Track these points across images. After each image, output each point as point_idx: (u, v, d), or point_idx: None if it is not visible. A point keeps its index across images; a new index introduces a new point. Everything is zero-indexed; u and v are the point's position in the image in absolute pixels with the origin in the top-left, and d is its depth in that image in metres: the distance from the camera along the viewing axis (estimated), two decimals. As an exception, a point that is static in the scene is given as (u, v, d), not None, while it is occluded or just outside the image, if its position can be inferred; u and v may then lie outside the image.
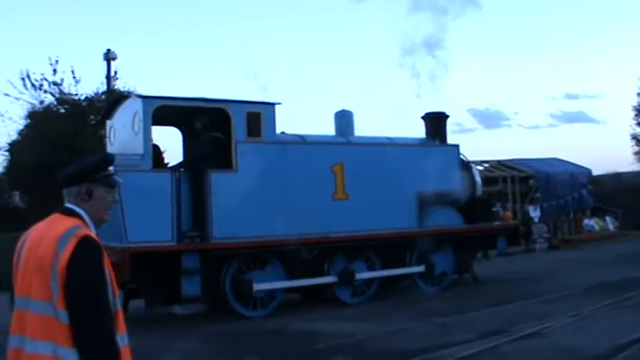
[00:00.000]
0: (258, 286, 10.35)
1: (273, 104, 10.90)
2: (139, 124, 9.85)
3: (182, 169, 10.16)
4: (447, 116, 13.60)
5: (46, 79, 21.35)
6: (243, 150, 10.41)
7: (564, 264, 16.25)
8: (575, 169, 24.40)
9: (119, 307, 2.47)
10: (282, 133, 11.63)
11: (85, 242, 2.37)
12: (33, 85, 21.18)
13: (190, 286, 9.80)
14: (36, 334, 2.30)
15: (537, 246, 20.86)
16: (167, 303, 10.39)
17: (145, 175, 9.69)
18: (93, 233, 2.48)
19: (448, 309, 10.20)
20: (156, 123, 10.93)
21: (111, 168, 2.66)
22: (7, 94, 20.99)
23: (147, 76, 47.63)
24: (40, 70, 21.92)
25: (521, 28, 58.93)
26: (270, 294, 10.61)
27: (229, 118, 10.40)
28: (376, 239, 11.53)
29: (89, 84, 21.43)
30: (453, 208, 12.61)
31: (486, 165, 23.11)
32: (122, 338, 2.44)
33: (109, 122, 11.65)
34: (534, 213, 21.45)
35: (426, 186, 12.13)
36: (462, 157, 13.57)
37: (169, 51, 52.00)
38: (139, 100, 9.95)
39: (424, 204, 12.20)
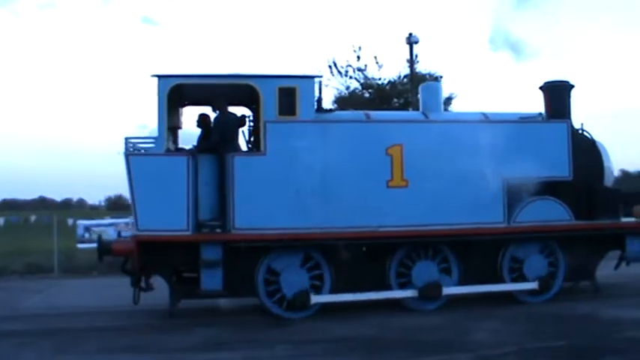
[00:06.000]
0: (316, 299, 9.30)
1: (312, 77, 9.60)
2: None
3: (200, 153, 9.34)
4: (572, 86, 10.92)
5: (350, 66, 22.99)
6: (273, 130, 9.28)
7: None
8: None
9: None
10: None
11: None
12: (339, 71, 22.93)
13: (210, 280, 9.02)
14: None
15: None
16: (190, 297, 9.69)
17: (157, 159, 9.10)
18: None
19: None
20: (192, 104, 10.43)
21: None
22: None
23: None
24: (345, 57, 23.59)
25: None
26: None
27: (258, 95, 9.35)
28: (437, 235, 9.58)
29: (391, 68, 22.75)
30: (558, 200, 10.02)
31: None
32: None
33: None
34: None
35: (519, 172, 9.80)
36: (586, 135, 10.87)
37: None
38: (155, 80, 9.31)
39: (515, 194, 9.89)
